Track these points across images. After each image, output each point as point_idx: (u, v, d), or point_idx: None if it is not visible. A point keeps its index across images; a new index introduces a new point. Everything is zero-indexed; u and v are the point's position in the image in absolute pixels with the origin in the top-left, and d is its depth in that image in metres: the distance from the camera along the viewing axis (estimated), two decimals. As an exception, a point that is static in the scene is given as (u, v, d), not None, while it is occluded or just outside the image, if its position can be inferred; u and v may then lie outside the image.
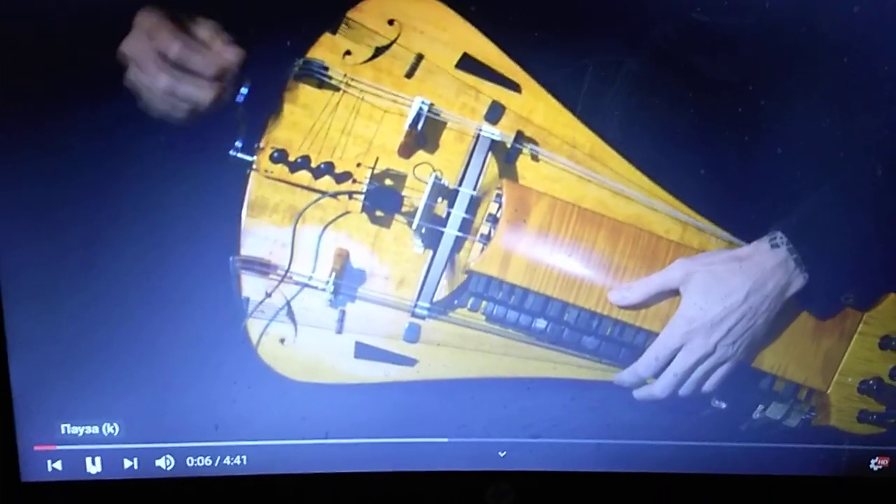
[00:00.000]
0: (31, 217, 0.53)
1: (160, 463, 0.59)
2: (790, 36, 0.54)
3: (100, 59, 0.50)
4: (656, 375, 0.60)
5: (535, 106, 0.55)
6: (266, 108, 0.53)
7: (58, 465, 0.58)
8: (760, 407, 0.63)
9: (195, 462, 0.60)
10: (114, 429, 0.58)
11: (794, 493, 0.66)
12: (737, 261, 0.58)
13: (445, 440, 0.62)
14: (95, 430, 0.58)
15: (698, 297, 0.58)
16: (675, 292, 0.58)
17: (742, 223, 0.58)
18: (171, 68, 0.50)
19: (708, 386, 0.61)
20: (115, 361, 0.56)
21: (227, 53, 0.51)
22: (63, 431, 0.57)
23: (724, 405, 0.62)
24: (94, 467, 0.58)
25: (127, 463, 0.59)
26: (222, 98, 0.52)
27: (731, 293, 0.58)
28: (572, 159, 0.56)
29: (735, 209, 0.58)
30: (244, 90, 0.52)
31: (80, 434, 0.58)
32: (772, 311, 0.59)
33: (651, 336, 0.59)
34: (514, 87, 0.55)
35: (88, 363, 0.56)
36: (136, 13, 0.49)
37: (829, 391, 0.63)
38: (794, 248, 0.57)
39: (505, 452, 0.63)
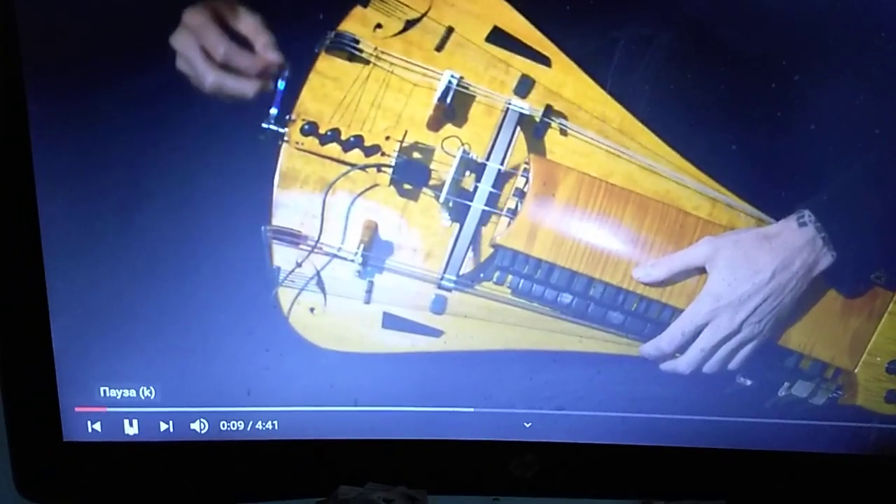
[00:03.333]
0: (72, 186, 0.54)
1: (195, 426, 0.61)
2: (825, 10, 0.53)
3: (145, 44, 0.52)
4: (681, 351, 0.60)
5: (564, 80, 0.55)
6: (298, 80, 0.54)
7: (97, 426, 0.60)
8: (786, 384, 0.62)
9: (228, 426, 0.61)
10: (150, 392, 0.60)
11: (820, 470, 0.65)
12: (764, 239, 0.57)
13: (471, 410, 0.63)
14: (133, 393, 0.59)
15: (726, 274, 0.58)
16: (700, 270, 0.58)
17: (771, 201, 0.57)
18: (217, 67, 0.52)
19: (734, 363, 0.61)
20: (152, 328, 0.58)
21: (269, 54, 0.53)
22: (102, 394, 0.59)
23: (749, 382, 0.62)
24: (131, 429, 0.60)
25: (163, 426, 0.60)
26: (266, 90, 0.53)
27: (759, 271, 0.57)
28: (601, 134, 0.56)
29: (764, 186, 0.57)
30: (282, 82, 0.53)
31: (119, 397, 0.59)
32: (799, 289, 0.58)
33: (676, 312, 0.59)
34: (544, 60, 0.55)
35: (127, 329, 0.58)
36: (183, 10, 0.51)
37: (856, 370, 0.62)
38: (821, 227, 0.57)
39: (530, 423, 0.63)
